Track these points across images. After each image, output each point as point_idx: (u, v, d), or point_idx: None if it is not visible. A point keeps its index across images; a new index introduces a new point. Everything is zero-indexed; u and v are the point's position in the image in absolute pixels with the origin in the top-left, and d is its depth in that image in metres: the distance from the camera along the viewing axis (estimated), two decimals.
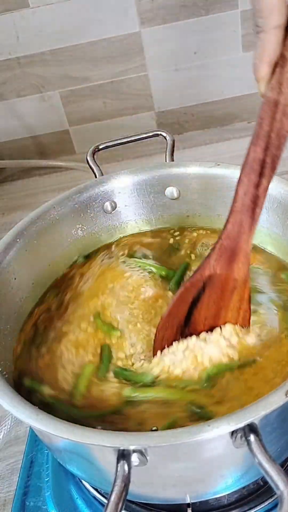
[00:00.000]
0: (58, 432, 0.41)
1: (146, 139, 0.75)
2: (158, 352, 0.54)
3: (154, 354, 0.54)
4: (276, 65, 0.45)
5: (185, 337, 0.54)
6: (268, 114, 0.46)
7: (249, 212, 0.49)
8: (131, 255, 0.70)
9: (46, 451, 0.65)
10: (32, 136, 1.32)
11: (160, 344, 0.54)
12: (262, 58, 0.45)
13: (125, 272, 0.66)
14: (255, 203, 0.49)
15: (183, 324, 0.54)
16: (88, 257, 0.71)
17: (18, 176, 1.31)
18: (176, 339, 0.54)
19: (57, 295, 0.66)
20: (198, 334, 0.54)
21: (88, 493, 0.60)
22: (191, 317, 0.54)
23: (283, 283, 0.62)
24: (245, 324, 0.54)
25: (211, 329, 0.54)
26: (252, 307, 0.55)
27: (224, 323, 0.54)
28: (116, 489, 0.37)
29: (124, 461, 0.38)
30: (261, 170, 0.47)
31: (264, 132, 0.47)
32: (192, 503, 0.55)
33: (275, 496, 0.46)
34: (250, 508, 0.56)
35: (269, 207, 0.65)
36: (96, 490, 0.59)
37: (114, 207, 0.72)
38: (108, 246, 0.73)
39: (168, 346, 0.54)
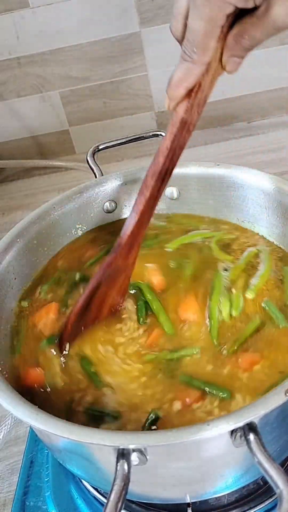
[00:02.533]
0: (58, 432, 0.41)
1: (146, 139, 0.75)
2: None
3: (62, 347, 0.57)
4: (191, 90, 0.50)
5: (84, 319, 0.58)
6: (178, 131, 0.53)
7: (150, 211, 0.57)
8: None
9: (46, 451, 0.65)
10: (32, 136, 1.32)
11: (67, 334, 0.57)
12: (181, 83, 0.49)
13: None
14: (155, 204, 0.57)
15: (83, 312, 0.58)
16: None
17: (18, 176, 1.32)
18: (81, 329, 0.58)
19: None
20: (92, 314, 0.58)
21: (88, 493, 0.60)
22: (90, 306, 0.58)
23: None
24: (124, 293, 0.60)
25: (100, 308, 0.59)
26: None
27: (109, 301, 0.59)
28: (116, 489, 0.37)
29: (124, 460, 0.38)
30: (164, 176, 0.55)
31: (173, 146, 0.53)
32: (192, 503, 0.55)
33: (275, 495, 0.46)
34: (250, 508, 0.56)
35: (269, 207, 0.65)
36: (96, 489, 0.59)
37: (114, 207, 0.72)
38: None
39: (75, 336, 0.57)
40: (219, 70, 0.50)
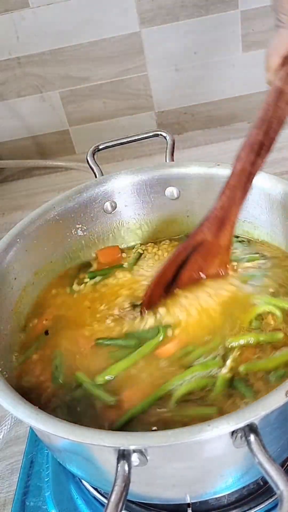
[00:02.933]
0: (58, 432, 0.41)
1: (146, 139, 0.75)
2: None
3: (143, 310, 0.58)
4: (287, 58, 0.48)
5: (170, 294, 0.58)
6: (273, 101, 0.50)
7: (243, 186, 0.54)
8: None
9: (46, 451, 0.65)
10: (32, 136, 1.32)
11: (148, 300, 0.58)
12: (276, 50, 0.48)
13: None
14: (249, 179, 0.54)
15: (170, 283, 0.58)
16: None
17: (18, 176, 1.31)
18: (162, 296, 0.58)
19: None
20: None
21: (88, 493, 0.60)
22: (177, 276, 0.58)
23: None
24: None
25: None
26: None
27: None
28: (116, 489, 0.37)
29: (124, 461, 0.38)
30: (259, 151, 0.52)
31: (268, 117, 0.50)
32: (192, 503, 0.55)
33: (275, 496, 0.46)
34: (250, 508, 0.56)
35: (269, 207, 0.65)
36: (96, 490, 0.59)
37: (114, 207, 0.72)
38: None
39: (156, 303, 0.58)
40: None
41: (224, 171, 0.68)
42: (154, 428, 0.48)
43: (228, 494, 0.56)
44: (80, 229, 0.70)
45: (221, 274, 0.60)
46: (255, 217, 0.68)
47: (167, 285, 0.58)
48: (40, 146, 1.33)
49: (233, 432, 0.39)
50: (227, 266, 0.60)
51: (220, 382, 0.50)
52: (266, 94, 0.50)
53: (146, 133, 0.75)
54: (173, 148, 0.73)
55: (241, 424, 0.38)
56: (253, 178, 0.54)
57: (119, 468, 0.38)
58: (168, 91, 1.26)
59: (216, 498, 0.56)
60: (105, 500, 0.55)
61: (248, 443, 0.38)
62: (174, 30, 1.16)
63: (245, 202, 0.56)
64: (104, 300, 0.64)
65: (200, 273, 0.59)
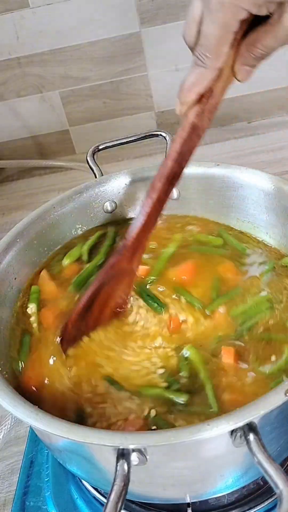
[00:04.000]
0: (58, 432, 0.41)
1: (146, 139, 0.75)
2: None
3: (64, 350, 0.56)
4: (203, 96, 0.50)
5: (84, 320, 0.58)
6: (188, 135, 0.52)
7: (157, 214, 0.56)
8: None
9: (46, 451, 0.65)
10: (32, 136, 1.32)
11: (68, 334, 0.57)
12: (193, 88, 0.50)
13: None
14: (161, 207, 0.56)
15: (85, 312, 0.58)
16: None
17: (18, 176, 1.32)
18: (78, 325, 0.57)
19: None
20: (93, 317, 0.58)
21: (88, 493, 0.60)
22: (90, 309, 0.58)
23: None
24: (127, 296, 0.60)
25: (101, 312, 0.58)
26: None
27: (111, 305, 0.59)
28: (116, 488, 0.37)
29: (124, 460, 0.38)
30: (173, 180, 0.55)
31: (183, 150, 0.53)
32: (192, 503, 0.55)
33: (275, 496, 0.46)
34: (250, 508, 0.56)
35: (269, 207, 0.65)
36: (96, 489, 0.59)
37: (114, 207, 0.72)
38: None
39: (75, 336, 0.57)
40: (231, 78, 0.51)
41: (224, 171, 0.68)
42: (154, 427, 0.48)
43: (228, 494, 0.56)
44: (80, 229, 0.70)
45: (126, 293, 0.60)
46: (255, 217, 0.68)
47: (82, 315, 0.58)
48: (40, 146, 1.33)
49: (232, 432, 0.39)
50: (132, 285, 0.61)
51: None
52: (181, 129, 0.52)
53: (146, 133, 0.75)
54: None
55: (241, 424, 0.38)
56: (164, 205, 0.56)
57: (118, 467, 0.38)
58: (168, 91, 1.26)
59: (216, 498, 0.56)
60: (104, 500, 0.55)
61: (248, 442, 0.38)
62: (174, 30, 1.16)
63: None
64: None
65: (111, 295, 0.59)
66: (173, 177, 0.55)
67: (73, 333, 0.57)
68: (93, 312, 0.58)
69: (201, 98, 0.50)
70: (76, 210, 0.69)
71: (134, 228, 0.57)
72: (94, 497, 0.59)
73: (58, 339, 0.57)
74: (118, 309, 0.59)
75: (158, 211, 0.56)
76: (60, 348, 0.56)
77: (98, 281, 0.57)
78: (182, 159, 0.54)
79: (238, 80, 0.51)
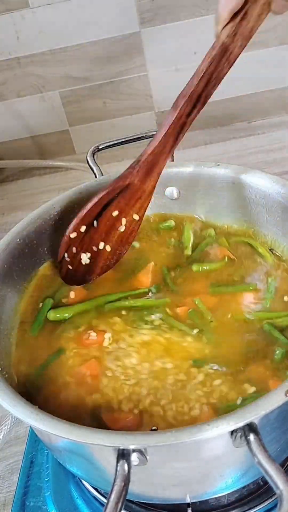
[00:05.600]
0: (58, 432, 0.41)
1: (146, 139, 0.74)
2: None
3: (60, 257, 0.59)
4: (237, 15, 0.50)
5: (89, 235, 0.60)
6: (218, 57, 0.52)
7: (176, 135, 0.56)
8: None
9: (46, 451, 0.65)
10: (32, 136, 1.32)
11: (67, 244, 0.60)
12: (227, 4, 0.49)
13: None
14: (182, 129, 0.56)
15: (91, 223, 0.60)
16: None
17: (18, 176, 1.31)
18: (82, 237, 0.60)
19: None
20: (102, 234, 0.60)
21: (88, 493, 0.60)
22: (98, 218, 0.60)
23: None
24: (133, 234, 0.62)
25: (108, 233, 0.60)
26: None
27: (119, 229, 0.61)
28: (116, 489, 0.37)
29: (124, 460, 0.38)
30: (196, 102, 0.54)
31: (209, 71, 0.53)
32: (192, 503, 0.55)
33: (275, 496, 0.46)
34: (250, 508, 0.56)
35: (269, 207, 0.65)
36: (96, 490, 0.59)
37: None
38: None
39: (75, 247, 0.60)
40: (267, 6, 0.50)
41: (224, 171, 0.68)
42: (154, 427, 0.48)
43: (228, 494, 0.57)
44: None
45: (137, 219, 0.61)
46: (255, 217, 0.68)
47: (88, 226, 0.60)
48: (40, 146, 1.33)
49: (232, 432, 0.39)
50: (144, 212, 0.61)
51: None
52: (211, 47, 0.51)
53: (146, 133, 0.74)
54: None
55: (241, 424, 0.38)
56: (185, 129, 0.55)
57: (118, 467, 0.38)
58: (168, 91, 1.26)
59: (216, 498, 0.56)
60: (105, 500, 0.55)
61: (248, 442, 0.38)
62: (174, 30, 1.16)
63: (174, 151, 0.58)
64: None
65: (119, 215, 0.60)
66: (197, 98, 0.53)
67: (76, 250, 0.59)
68: (99, 228, 0.58)
69: (234, 17, 0.50)
70: (76, 210, 0.69)
71: (150, 146, 0.56)
72: (94, 497, 0.59)
73: (60, 256, 0.59)
74: (128, 233, 0.60)
75: (177, 133, 0.55)
76: (59, 271, 0.58)
77: (106, 191, 0.57)
78: (208, 80, 0.53)
79: (272, 12, 0.50)
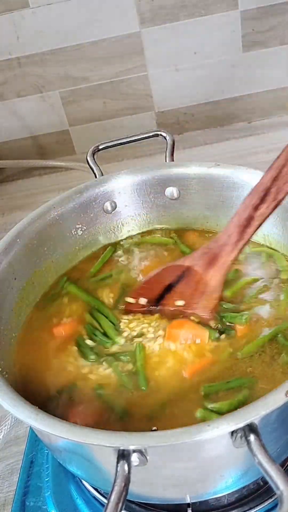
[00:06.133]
0: (58, 432, 0.41)
1: (146, 139, 0.75)
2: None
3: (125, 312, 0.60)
4: None
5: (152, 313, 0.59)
6: None
7: (241, 228, 0.53)
8: None
9: (46, 451, 0.65)
10: (32, 136, 1.32)
11: (130, 306, 0.60)
12: None
13: None
14: (248, 223, 0.53)
15: (155, 301, 0.59)
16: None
17: (18, 176, 1.32)
18: (144, 311, 0.59)
19: None
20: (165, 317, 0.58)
21: (88, 493, 0.60)
22: (163, 298, 0.59)
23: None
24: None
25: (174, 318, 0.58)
26: None
27: (186, 318, 0.57)
28: (116, 489, 0.37)
29: (124, 461, 0.38)
30: (264, 196, 0.51)
31: (279, 164, 0.51)
32: (192, 503, 0.55)
33: (275, 496, 0.46)
34: (250, 508, 0.56)
35: None
36: (96, 490, 0.59)
37: (114, 207, 0.72)
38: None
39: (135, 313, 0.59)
40: None
41: (224, 171, 0.68)
42: (154, 428, 0.48)
43: (228, 494, 0.56)
44: (80, 229, 0.70)
45: (204, 317, 0.57)
46: None
47: (152, 303, 0.59)
48: (40, 146, 1.33)
49: (233, 432, 0.39)
50: (212, 312, 0.57)
51: None
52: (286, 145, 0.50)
53: (146, 133, 0.75)
54: (173, 148, 0.73)
55: (241, 424, 0.38)
56: (254, 224, 0.52)
57: (119, 468, 0.38)
58: (168, 91, 1.26)
59: (216, 498, 0.56)
60: (105, 500, 0.55)
61: (248, 443, 0.38)
62: (174, 30, 1.16)
63: (243, 248, 0.55)
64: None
65: (184, 304, 0.58)
66: (264, 192, 0.51)
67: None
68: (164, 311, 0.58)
69: None
70: (76, 210, 0.69)
71: (216, 235, 0.55)
72: (94, 497, 0.59)
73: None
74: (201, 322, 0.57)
75: (242, 224, 0.53)
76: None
77: (165, 267, 0.58)
78: (278, 174, 0.51)
79: None
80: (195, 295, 0.57)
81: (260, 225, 0.53)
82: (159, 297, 0.59)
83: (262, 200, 0.51)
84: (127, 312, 0.60)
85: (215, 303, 0.57)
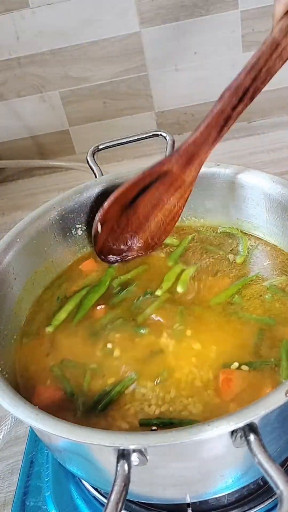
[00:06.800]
0: (58, 432, 0.41)
1: (146, 139, 0.74)
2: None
3: (95, 228, 0.61)
4: None
5: (127, 216, 0.60)
6: (267, 51, 0.50)
7: (219, 128, 0.56)
8: None
9: (46, 451, 0.65)
10: (32, 136, 1.32)
11: (104, 216, 0.61)
12: (282, 0, 0.48)
13: None
14: (226, 122, 0.56)
15: (128, 205, 0.60)
16: None
17: (18, 176, 1.31)
18: (118, 216, 0.61)
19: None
20: (138, 218, 0.60)
21: (88, 493, 0.60)
22: (136, 200, 0.60)
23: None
24: (172, 223, 0.61)
25: (146, 218, 0.60)
26: None
27: (158, 215, 0.60)
28: (116, 489, 0.37)
29: (124, 460, 0.38)
30: (242, 96, 0.54)
31: (258, 66, 0.51)
32: (192, 503, 0.55)
33: (275, 496, 0.46)
34: (250, 508, 0.56)
35: (269, 207, 0.65)
36: (96, 490, 0.59)
37: None
38: None
39: (108, 224, 0.61)
40: None
41: (224, 171, 0.68)
42: (154, 428, 0.48)
43: (228, 494, 0.56)
44: (80, 229, 0.70)
45: (176, 208, 0.60)
46: (255, 217, 0.68)
47: (125, 206, 0.60)
48: (40, 146, 1.33)
49: (232, 432, 0.39)
50: (185, 202, 0.61)
51: None
52: (263, 42, 0.50)
53: (146, 133, 0.74)
54: (173, 148, 0.73)
55: (241, 424, 0.38)
56: (230, 123, 0.55)
57: (118, 467, 0.38)
58: (168, 91, 1.26)
59: (216, 498, 0.56)
60: (105, 500, 0.55)
61: (248, 443, 0.38)
62: (174, 30, 1.16)
63: (217, 144, 0.58)
64: None
65: (157, 206, 0.60)
66: (244, 92, 0.53)
67: (112, 229, 0.59)
68: (137, 211, 0.59)
69: None
70: (76, 210, 0.69)
71: (191, 136, 0.56)
72: (94, 497, 0.59)
73: (98, 226, 0.60)
74: (166, 222, 0.60)
75: (220, 124, 0.55)
76: (94, 245, 0.60)
77: (142, 174, 0.58)
78: (257, 75, 0.52)
79: None
80: (169, 191, 0.60)
81: (234, 122, 0.56)
82: (132, 201, 0.60)
83: (241, 99, 0.54)
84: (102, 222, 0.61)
85: (189, 192, 0.61)
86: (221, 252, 0.67)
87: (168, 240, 0.68)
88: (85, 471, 0.51)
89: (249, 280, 0.62)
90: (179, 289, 0.61)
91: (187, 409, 0.49)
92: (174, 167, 0.58)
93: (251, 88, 0.53)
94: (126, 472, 0.38)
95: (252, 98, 0.53)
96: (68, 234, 0.69)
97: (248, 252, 0.67)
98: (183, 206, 0.61)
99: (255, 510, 0.56)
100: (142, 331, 0.56)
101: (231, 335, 0.55)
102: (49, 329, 0.60)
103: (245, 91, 0.53)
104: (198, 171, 0.59)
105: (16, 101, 1.26)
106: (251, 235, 0.69)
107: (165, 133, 0.74)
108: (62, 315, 0.62)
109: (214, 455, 0.43)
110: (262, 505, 0.56)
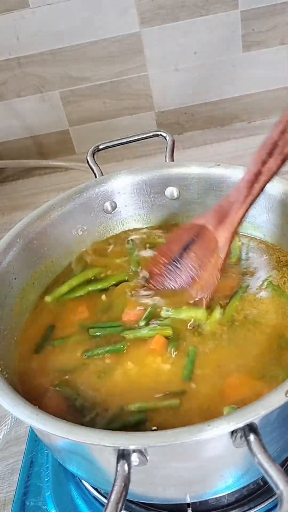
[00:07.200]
0: (58, 432, 0.40)
1: (146, 139, 0.75)
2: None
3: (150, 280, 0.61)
4: None
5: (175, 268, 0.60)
6: None
7: (250, 184, 0.53)
8: None
9: (46, 451, 0.65)
10: (32, 136, 1.32)
11: (152, 267, 0.61)
12: None
13: None
14: (257, 178, 0.53)
15: (176, 260, 0.60)
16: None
17: (18, 176, 1.32)
18: (166, 269, 0.60)
19: None
20: (185, 275, 0.59)
21: (88, 493, 0.60)
22: (183, 257, 0.60)
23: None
24: (209, 288, 0.58)
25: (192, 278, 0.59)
26: None
27: (200, 275, 0.59)
28: (116, 489, 0.37)
29: (124, 461, 0.38)
30: (272, 150, 0.51)
31: (286, 118, 0.50)
32: (192, 503, 0.55)
33: (275, 496, 0.46)
34: (250, 508, 0.56)
35: (269, 207, 0.65)
36: (96, 490, 0.59)
37: (114, 207, 0.72)
38: None
39: (159, 274, 0.60)
40: None
41: (224, 171, 0.68)
42: (154, 428, 0.48)
43: (228, 494, 0.56)
44: (80, 229, 0.70)
45: (213, 278, 0.58)
46: (255, 217, 0.68)
47: (173, 261, 0.60)
48: (40, 146, 1.33)
49: (233, 432, 0.39)
50: (220, 271, 0.58)
51: None
52: None
53: (146, 133, 0.74)
54: (173, 148, 0.73)
55: (241, 424, 0.38)
56: (262, 179, 0.52)
57: (118, 468, 0.38)
58: (168, 91, 1.26)
59: (216, 498, 0.56)
60: (105, 500, 0.55)
61: (248, 443, 0.38)
62: (174, 30, 1.16)
63: (253, 204, 0.55)
64: None
65: (201, 267, 0.59)
66: (272, 146, 0.51)
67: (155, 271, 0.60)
68: (182, 270, 0.59)
69: None
70: (76, 210, 0.69)
71: (225, 196, 0.55)
72: (94, 497, 0.59)
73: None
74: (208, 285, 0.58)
75: (251, 184, 0.53)
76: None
77: (182, 230, 0.58)
78: (284, 127, 0.50)
79: None
80: (206, 254, 0.58)
81: (268, 180, 0.53)
82: (178, 256, 0.60)
83: (270, 154, 0.51)
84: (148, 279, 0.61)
85: (221, 263, 0.57)
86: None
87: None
88: (85, 471, 0.51)
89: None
90: None
91: None
92: (209, 223, 0.56)
93: (280, 141, 0.50)
94: (126, 472, 0.38)
95: (282, 153, 0.50)
96: (68, 234, 0.69)
97: (240, 251, 0.67)
98: (219, 276, 0.57)
99: (255, 510, 0.56)
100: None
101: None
102: (47, 299, 0.63)
103: (274, 145, 0.50)
104: (232, 233, 0.56)
105: (16, 101, 1.26)
106: (251, 236, 0.69)
107: (165, 133, 0.74)
108: (65, 288, 0.64)
109: (214, 455, 0.43)
110: (262, 505, 0.56)
